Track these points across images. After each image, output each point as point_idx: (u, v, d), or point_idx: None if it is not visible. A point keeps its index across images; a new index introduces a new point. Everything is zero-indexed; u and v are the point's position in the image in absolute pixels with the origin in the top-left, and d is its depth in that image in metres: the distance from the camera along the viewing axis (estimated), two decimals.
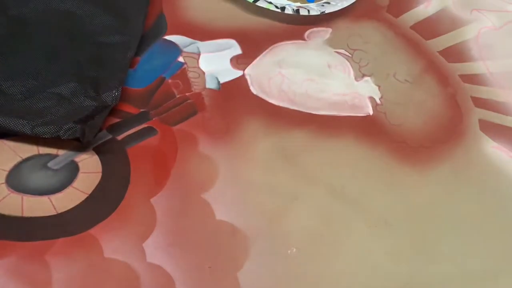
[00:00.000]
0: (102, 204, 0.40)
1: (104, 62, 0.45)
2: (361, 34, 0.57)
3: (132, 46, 0.48)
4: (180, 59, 0.51)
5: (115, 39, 0.48)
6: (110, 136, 0.44)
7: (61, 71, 0.43)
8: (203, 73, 0.50)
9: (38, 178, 0.41)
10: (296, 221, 0.42)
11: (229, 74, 0.51)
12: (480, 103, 0.53)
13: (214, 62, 0.51)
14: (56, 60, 0.44)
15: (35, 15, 0.47)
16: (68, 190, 0.41)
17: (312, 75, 0.52)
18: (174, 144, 0.45)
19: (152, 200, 0.41)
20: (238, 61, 0.52)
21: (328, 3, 0.59)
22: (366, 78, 0.53)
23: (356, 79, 0.53)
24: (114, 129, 0.45)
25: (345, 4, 0.59)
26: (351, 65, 0.54)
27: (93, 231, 0.39)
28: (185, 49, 0.52)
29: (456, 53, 0.57)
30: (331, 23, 0.58)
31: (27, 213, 0.39)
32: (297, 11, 0.57)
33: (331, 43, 0.56)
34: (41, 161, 0.42)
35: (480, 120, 0.51)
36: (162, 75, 0.49)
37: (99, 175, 0.42)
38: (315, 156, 0.46)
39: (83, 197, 0.40)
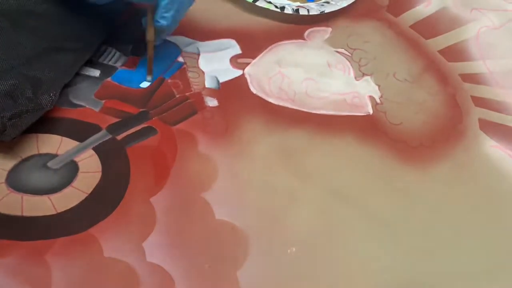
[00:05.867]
0: (101, 203, 0.40)
1: (55, 65, 0.45)
2: (361, 33, 0.57)
3: (85, 56, 0.48)
4: (180, 59, 0.51)
5: (76, 45, 0.47)
6: (110, 136, 0.44)
7: (10, 67, 0.42)
8: (203, 72, 0.50)
9: (38, 177, 0.41)
10: (295, 221, 0.42)
11: (229, 73, 0.51)
12: (480, 102, 0.53)
13: (214, 61, 0.51)
14: (9, 53, 0.43)
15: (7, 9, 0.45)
16: (68, 190, 0.41)
17: (312, 74, 0.52)
18: (174, 144, 0.45)
19: (151, 199, 0.41)
20: (238, 61, 0.52)
21: (328, 2, 0.59)
22: (366, 77, 0.53)
23: (356, 78, 0.53)
24: (114, 129, 0.45)
25: (345, 4, 0.59)
26: (351, 65, 0.54)
27: (93, 230, 0.39)
28: (185, 49, 0.52)
29: (456, 53, 0.57)
30: (331, 23, 0.58)
31: (27, 213, 0.39)
32: (297, 10, 0.57)
33: (331, 42, 0.56)
34: (41, 161, 0.42)
35: (480, 119, 0.51)
36: (161, 75, 0.49)
37: (99, 175, 0.42)
38: (315, 155, 0.46)
39: (82, 196, 0.40)
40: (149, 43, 0.47)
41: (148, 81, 0.49)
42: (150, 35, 0.47)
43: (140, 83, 0.49)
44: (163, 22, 0.46)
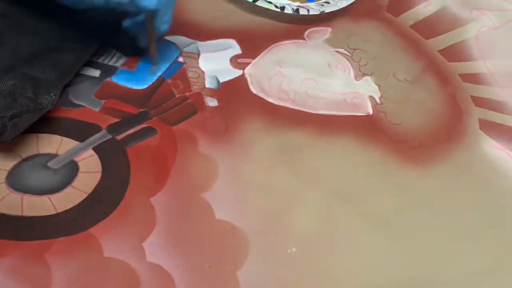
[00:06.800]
0: (102, 203, 0.40)
1: (56, 65, 0.45)
2: (361, 33, 0.57)
3: (86, 56, 0.48)
4: (180, 59, 0.51)
5: (77, 45, 0.47)
6: (110, 136, 0.44)
7: (10, 67, 0.42)
8: (203, 72, 0.50)
9: (38, 177, 0.41)
10: (296, 221, 0.42)
11: (229, 73, 0.51)
12: (480, 102, 0.53)
13: (214, 61, 0.51)
14: (10, 53, 0.43)
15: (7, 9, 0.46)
16: (68, 190, 0.41)
17: (312, 74, 0.52)
18: (174, 144, 0.45)
19: (152, 199, 0.41)
20: (238, 61, 0.52)
21: (328, 2, 0.59)
22: (366, 77, 0.53)
23: (356, 78, 0.53)
24: (114, 129, 0.45)
25: (345, 4, 0.59)
26: (351, 65, 0.54)
27: (93, 230, 0.39)
28: (185, 49, 0.52)
29: (456, 53, 0.57)
30: (331, 23, 0.58)
31: (27, 213, 0.39)
32: (297, 10, 0.57)
33: (331, 42, 0.56)
34: (41, 161, 0.42)
35: (479, 119, 0.51)
36: (162, 75, 0.49)
37: (99, 175, 0.42)
38: (315, 155, 0.46)
39: (83, 196, 0.41)
40: (152, 45, 0.48)
41: (153, 72, 0.49)
42: (151, 39, 0.47)
43: (140, 83, 0.49)
44: (165, 27, 0.45)
